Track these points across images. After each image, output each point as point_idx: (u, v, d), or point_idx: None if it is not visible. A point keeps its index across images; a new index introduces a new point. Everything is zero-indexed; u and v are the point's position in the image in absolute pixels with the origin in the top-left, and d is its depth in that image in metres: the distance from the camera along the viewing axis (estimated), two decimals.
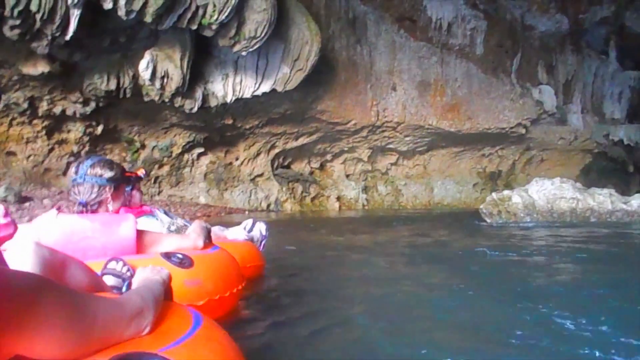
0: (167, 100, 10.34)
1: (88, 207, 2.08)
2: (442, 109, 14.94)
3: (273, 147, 14.17)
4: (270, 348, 2.26)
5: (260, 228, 4.01)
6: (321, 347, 2.31)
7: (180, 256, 2.09)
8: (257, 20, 10.42)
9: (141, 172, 2.84)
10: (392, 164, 16.32)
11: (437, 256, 5.75)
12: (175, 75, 10.03)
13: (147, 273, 1.34)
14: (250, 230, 3.96)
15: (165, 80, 9.99)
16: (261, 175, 14.10)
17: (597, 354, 2.20)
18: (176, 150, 12.50)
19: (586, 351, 2.24)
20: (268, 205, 13.93)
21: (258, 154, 14.01)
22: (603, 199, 10.05)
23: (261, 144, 13.93)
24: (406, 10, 14.55)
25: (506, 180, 16.67)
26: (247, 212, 12.75)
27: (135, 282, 1.34)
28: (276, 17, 10.81)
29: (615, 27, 15.59)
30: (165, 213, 3.07)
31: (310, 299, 3.30)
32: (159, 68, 9.81)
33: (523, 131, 15.44)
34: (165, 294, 1.22)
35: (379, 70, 14.51)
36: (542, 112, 15.36)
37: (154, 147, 12.14)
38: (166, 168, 12.67)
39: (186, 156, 13.01)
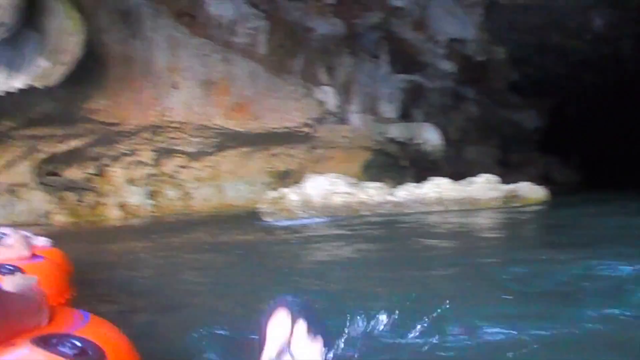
0: None
1: None
2: (228, 108, 14.63)
3: (37, 152, 12.45)
4: None
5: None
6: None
7: (10, 267, 2.14)
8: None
9: None
10: (180, 167, 15.54)
11: (213, 252, 6.73)
12: None
13: (18, 280, 1.36)
14: None
15: None
16: (22, 184, 12.28)
17: None
18: None
19: None
20: (33, 219, 12.19)
21: (17, 161, 12.18)
22: (373, 192, 10.62)
23: (20, 149, 12.13)
24: (185, 6, 13.95)
25: (296, 179, 16.97)
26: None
27: (10, 288, 1.30)
28: (27, 3, 9.45)
29: (384, 32, 16.86)
30: None
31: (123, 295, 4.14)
32: None
33: (309, 130, 15.86)
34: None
35: (158, 67, 13.65)
36: (325, 112, 15.95)
37: None
38: None
39: None
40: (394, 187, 12.74)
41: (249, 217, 11.09)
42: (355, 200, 10.53)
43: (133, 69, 12.98)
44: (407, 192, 11.49)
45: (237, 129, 14.68)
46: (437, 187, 11.79)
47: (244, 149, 15.87)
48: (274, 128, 15.18)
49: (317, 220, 9.73)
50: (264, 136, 15.33)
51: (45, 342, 1.03)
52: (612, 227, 8.07)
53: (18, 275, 1.43)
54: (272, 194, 10.10)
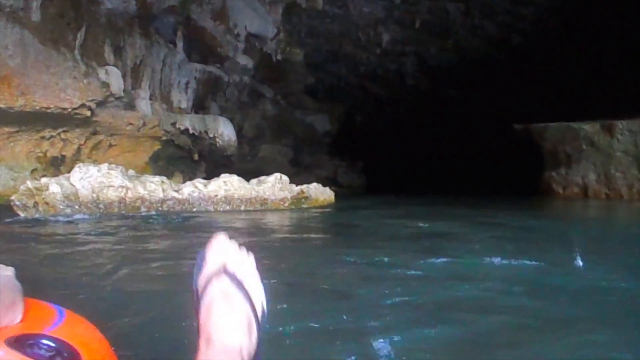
0: None
1: None
2: None
3: None
4: None
5: None
6: None
7: None
8: None
9: None
10: None
11: None
12: None
13: None
14: None
15: None
16: None
17: None
18: None
19: None
20: None
21: None
22: (154, 187, 9.74)
23: None
24: None
25: (71, 167, 15.10)
26: None
27: None
28: None
29: (182, 17, 15.90)
30: None
31: None
32: None
33: (88, 113, 14.15)
34: None
35: None
36: (109, 95, 14.41)
37: None
38: None
39: None
40: (183, 182, 11.96)
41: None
42: (133, 195, 9.52)
43: None
44: (194, 189, 10.81)
45: None
46: (226, 185, 11.33)
47: (7, 129, 13.57)
48: (45, 107, 13.20)
49: (83, 217, 8.52)
50: (33, 115, 13.26)
51: (20, 343, 0.92)
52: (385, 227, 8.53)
53: None
54: (30, 184, 8.54)
